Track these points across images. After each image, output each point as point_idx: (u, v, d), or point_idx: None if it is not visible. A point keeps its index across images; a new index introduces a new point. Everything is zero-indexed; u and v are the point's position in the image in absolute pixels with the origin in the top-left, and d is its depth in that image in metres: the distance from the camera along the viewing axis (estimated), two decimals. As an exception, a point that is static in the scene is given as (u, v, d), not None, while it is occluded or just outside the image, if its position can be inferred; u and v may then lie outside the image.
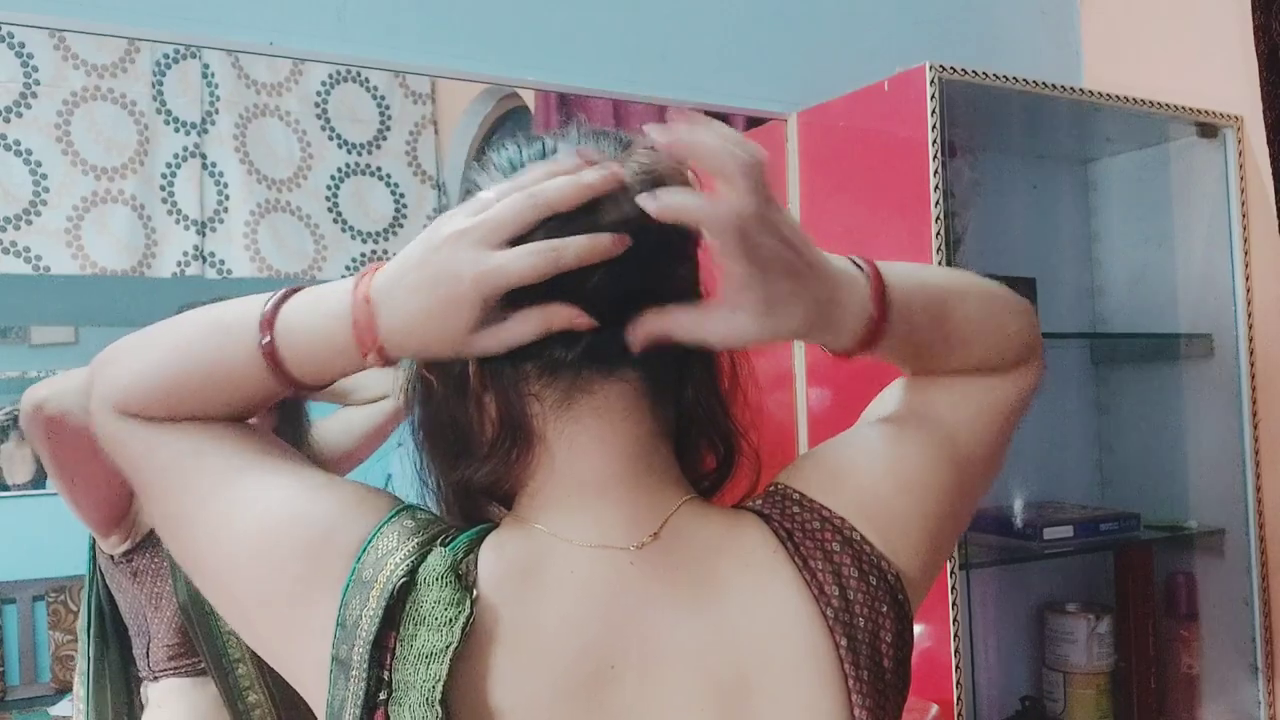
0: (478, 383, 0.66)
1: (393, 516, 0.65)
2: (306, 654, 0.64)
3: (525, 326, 0.62)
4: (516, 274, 0.60)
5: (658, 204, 0.60)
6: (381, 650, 0.60)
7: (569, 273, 0.61)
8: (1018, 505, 1.94)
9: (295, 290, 0.66)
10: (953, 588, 1.57)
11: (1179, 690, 2.01)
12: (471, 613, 0.60)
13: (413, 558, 0.62)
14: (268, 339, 0.64)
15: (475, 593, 0.61)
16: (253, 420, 0.71)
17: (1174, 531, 2.00)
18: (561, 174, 0.62)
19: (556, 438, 0.66)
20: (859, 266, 0.67)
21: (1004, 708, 2.01)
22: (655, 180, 0.64)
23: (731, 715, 0.63)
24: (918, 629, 1.62)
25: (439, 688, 0.58)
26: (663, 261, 0.64)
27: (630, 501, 0.66)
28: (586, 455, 0.66)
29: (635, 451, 0.67)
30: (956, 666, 1.57)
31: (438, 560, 0.62)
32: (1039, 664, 2.06)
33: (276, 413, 1.45)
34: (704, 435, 0.71)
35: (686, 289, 0.66)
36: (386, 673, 0.60)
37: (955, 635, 1.57)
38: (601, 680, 0.62)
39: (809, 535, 0.68)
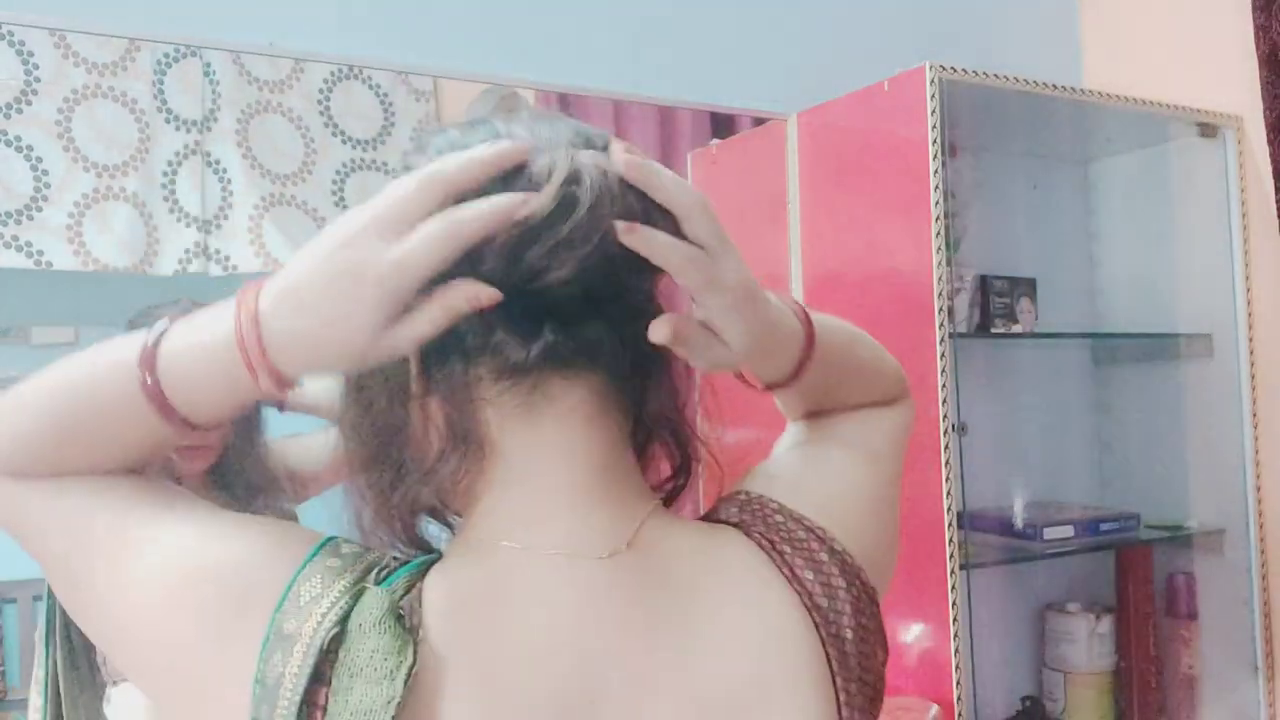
0: (420, 387, 0.60)
1: (314, 555, 0.59)
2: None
3: (427, 318, 0.55)
4: (418, 263, 0.53)
5: (635, 237, 0.57)
6: (311, 708, 0.54)
7: (530, 267, 0.56)
8: (1018, 505, 1.94)
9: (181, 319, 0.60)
10: (953, 588, 1.57)
11: (1179, 690, 2.01)
12: (415, 661, 0.54)
13: (343, 603, 0.56)
14: (150, 378, 0.57)
15: (419, 636, 0.56)
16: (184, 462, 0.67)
17: (1174, 531, 2.00)
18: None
19: (514, 448, 0.61)
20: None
21: (1004, 708, 2.01)
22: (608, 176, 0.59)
23: None
24: (917, 629, 1.62)
25: None
26: (629, 261, 0.59)
27: (599, 512, 0.61)
28: (550, 466, 0.61)
29: (601, 462, 0.62)
30: (956, 666, 1.57)
31: (374, 603, 0.56)
32: (1039, 664, 2.06)
33: (230, 428, 1.44)
34: (663, 442, 0.67)
35: (647, 293, 0.63)
36: None
37: (955, 635, 1.57)
38: (581, 715, 0.57)
39: (796, 547, 0.65)
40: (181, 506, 0.61)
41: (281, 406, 1.25)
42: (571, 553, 0.60)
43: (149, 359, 0.57)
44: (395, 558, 0.61)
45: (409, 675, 0.53)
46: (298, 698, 0.54)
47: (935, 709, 1.56)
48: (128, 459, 0.62)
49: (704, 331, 0.60)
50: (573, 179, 0.56)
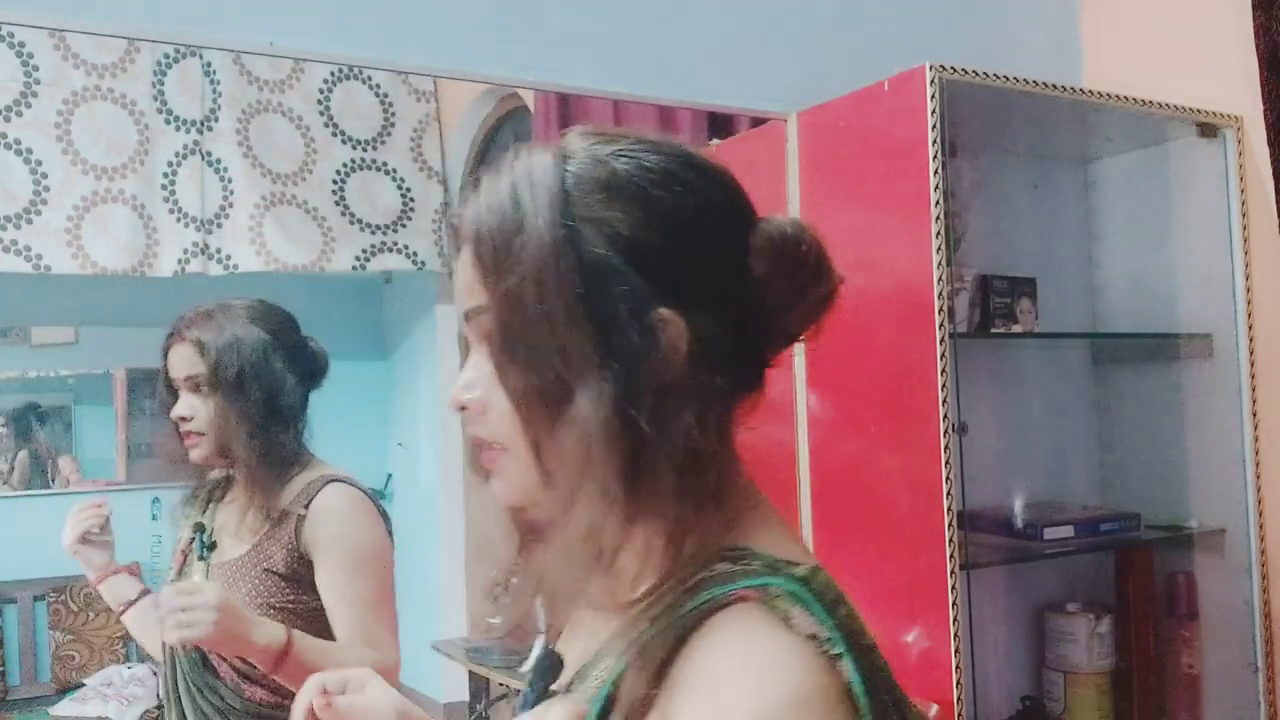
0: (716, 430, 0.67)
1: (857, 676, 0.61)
2: None
3: None
4: None
5: None
6: None
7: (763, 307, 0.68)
8: (1018, 505, 1.94)
9: None
10: (953, 588, 1.57)
11: (1179, 690, 2.01)
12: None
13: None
14: None
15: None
16: None
17: (1174, 531, 2.00)
18: None
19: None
20: None
21: (1004, 708, 2.01)
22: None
23: None
24: (917, 629, 1.62)
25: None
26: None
27: None
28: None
29: None
30: (956, 666, 1.57)
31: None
32: (1039, 664, 2.06)
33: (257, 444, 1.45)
34: None
35: None
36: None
37: (955, 635, 1.57)
38: None
39: None
40: None
41: None
42: None
43: None
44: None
45: None
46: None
47: (935, 709, 1.56)
48: None
49: None
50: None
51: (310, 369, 1.52)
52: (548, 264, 0.63)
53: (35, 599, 1.81)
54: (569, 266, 0.63)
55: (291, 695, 1.39)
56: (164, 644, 1.47)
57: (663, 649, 0.60)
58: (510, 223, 0.65)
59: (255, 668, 1.36)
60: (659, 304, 0.63)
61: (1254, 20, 1.84)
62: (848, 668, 0.58)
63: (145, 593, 1.52)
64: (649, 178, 0.66)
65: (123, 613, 1.49)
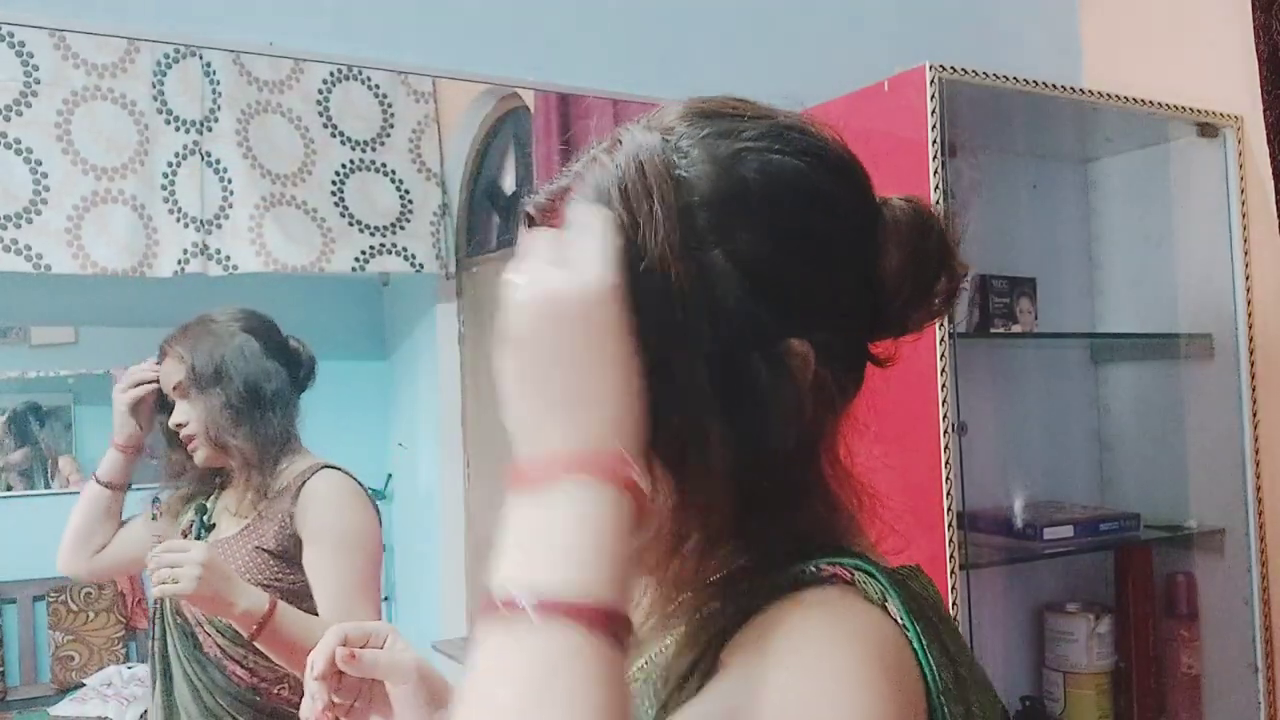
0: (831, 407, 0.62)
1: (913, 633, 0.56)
2: None
3: None
4: None
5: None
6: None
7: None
8: (1018, 505, 1.94)
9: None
10: (953, 588, 1.57)
11: (1179, 690, 2.01)
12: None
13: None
14: (605, 616, 0.47)
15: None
16: None
17: (1174, 531, 2.00)
18: None
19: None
20: None
21: (1004, 708, 2.01)
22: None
23: None
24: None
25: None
26: None
27: None
28: None
29: None
30: (957, 666, 1.57)
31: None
32: (1039, 664, 2.06)
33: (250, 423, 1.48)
34: None
35: None
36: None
37: (955, 635, 1.57)
38: None
39: None
40: None
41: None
42: None
43: (582, 611, 0.46)
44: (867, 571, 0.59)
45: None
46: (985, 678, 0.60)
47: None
48: None
49: None
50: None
51: (292, 365, 1.58)
52: (678, 307, 0.55)
53: (35, 599, 1.81)
54: (699, 307, 0.55)
55: (269, 678, 1.44)
56: (152, 615, 1.54)
57: (744, 617, 0.56)
58: (632, 250, 0.55)
59: (237, 646, 1.41)
60: (788, 334, 0.57)
61: (1254, 20, 1.84)
62: (926, 669, 0.54)
63: (124, 487, 1.55)
64: (779, 185, 0.59)
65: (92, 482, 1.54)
